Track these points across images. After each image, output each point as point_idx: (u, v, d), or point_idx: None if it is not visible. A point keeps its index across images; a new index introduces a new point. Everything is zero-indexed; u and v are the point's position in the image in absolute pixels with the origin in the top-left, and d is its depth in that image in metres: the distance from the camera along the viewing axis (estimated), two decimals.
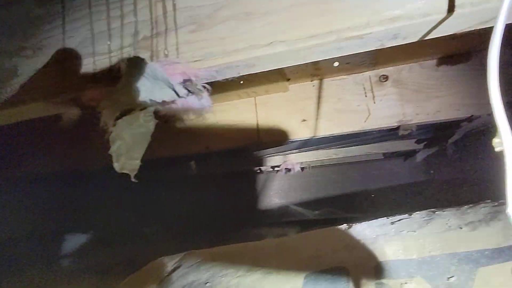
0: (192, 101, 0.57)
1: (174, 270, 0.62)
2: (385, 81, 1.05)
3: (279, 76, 1.03)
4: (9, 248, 1.29)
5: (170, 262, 0.65)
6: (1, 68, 0.63)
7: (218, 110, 1.17)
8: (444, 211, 0.58)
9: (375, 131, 1.15)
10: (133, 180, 0.56)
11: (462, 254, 0.45)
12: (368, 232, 0.56)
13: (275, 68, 0.55)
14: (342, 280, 0.46)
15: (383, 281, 0.44)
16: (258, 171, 1.88)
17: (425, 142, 1.49)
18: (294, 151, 1.48)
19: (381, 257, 0.48)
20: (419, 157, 1.50)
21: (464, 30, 0.48)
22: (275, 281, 0.50)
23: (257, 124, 1.15)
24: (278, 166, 1.72)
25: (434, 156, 1.60)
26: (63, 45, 0.59)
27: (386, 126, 1.07)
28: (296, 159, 1.62)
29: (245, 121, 1.16)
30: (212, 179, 2.06)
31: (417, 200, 1.66)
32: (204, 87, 0.57)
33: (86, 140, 1.30)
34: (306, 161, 1.69)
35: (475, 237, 0.48)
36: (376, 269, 0.46)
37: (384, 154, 1.86)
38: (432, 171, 1.71)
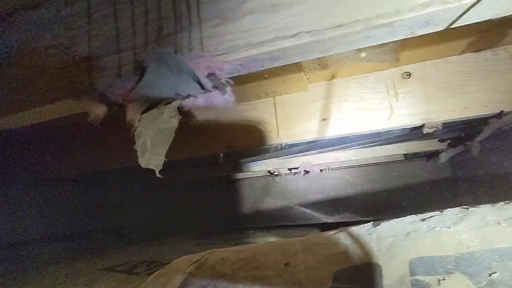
0: (215, 96, 0.57)
1: (198, 267, 0.62)
2: (408, 78, 1.03)
3: (298, 75, 1.02)
4: (34, 248, 1.32)
5: (194, 260, 0.65)
6: (30, 67, 0.65)
7: (237, 110, 1.17)
8: (478, 208, 0.55)
9: (398, 130, 1.12)
10: (158, 175, 0.56)
11: (503, 250, 0.43)
12: (397, 229, 0.54)
13: (300, 60, 0.54)
14: (376, 276, 0.44)
15: (419, 277, 0.42)
16: (276, 173, 1.87)
17: (449, 141, 1.44)
18: (313, 152, 1.47)
19: (414, 254, 0.46)
20: (443, 157, 1.45)
21: (500, 15, 0.46)
22: (303, 277, 0.48)
23: (277, 124, 1.14)
24: (296, 168, 1.70)
25: (458, 156, 1.54)
26: (89, 43, 0.60)
27: (409, 124, 1.04)
28: (314, 161, 1.60)
29: (265, 121, 1.15)
30: (229, 180, 2.06)
31: (441, 201, 1.61)
32: (228, 82, 0.56)
33: (108, 140, 1.32)
34: (325, 163, 1.66)
35: None
36: (411, 266, 0.44)
37: (405, 155, 1.81)
38: (456, 171, 1.65)
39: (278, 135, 1.13)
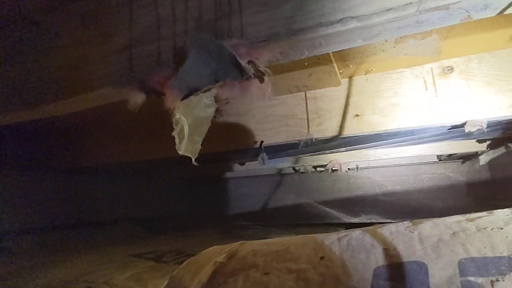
0: (252, 85, 0.56)
1: (229, 257, 0.62)
2: (450, 72, 0.97)
3: (331, 69, 0.99)
4: (66, 233, 1.38)
5: (225, 250, 0.65)
6: (73, 57, 0.67)
7: (267, 105, 1.16)
8: None
9: (435, 128, 1.07)
10: (194, 163, 0.56)
11: None
12: (442, 228, 0.51)
13: (343, 48, 0.52)
14: (420, 275, 0.42)
15: (470, 278, 0.39)
16: (302, 170, 1.84)
17: (489, 142, 1.36)
18: (342, 150, 1.43)
19: (463, 254, 0.43)
20: (483, 159, 1.37)
21: None
22: (341, 272, 0.46)
23: (307, 119, 1.12)
24: (323, 166, 1.67)
25: (497, 158, 1.45)
26: (130, 31, 0.61)
27: (449, 122, 0.99)
28: (343, 159, 1.56)
29: (295, 116, 1.14)
30: (254, 176, 2.06)
31: (478, 204, 1.52)
32: (266, 70, 0.56)
33: (135, 133, 1.35)
34: (353, 162, 1.62)
35: None
36: (460, 266, 0.41)
37: (438, 156, 1.73)
38: (494, 173, 1.56)
39: (309, 131, 1.11)
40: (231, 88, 0.56)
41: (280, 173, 2.01)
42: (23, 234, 1.21)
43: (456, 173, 1.71)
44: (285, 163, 1.57)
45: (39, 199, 1.33)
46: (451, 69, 0.97)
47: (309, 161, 1.54)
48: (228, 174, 2.01)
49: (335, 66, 0.98)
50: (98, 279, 0.79)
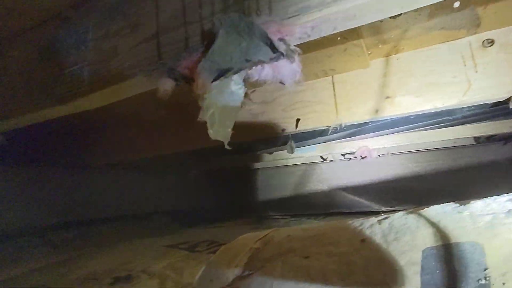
0: (283, 65, 0.54)
1: (265, 243, 0.61)
2: (491, 46, 0.90)
3: (359, 49, 0.95)
4: (104, 228, 1.43)
5: (260, 236, 0.64)
6: (103, 49, 0.68)
7: (294, 92, 1.14)
8: None
9: (476, 106, 1.00)
10: (226, 147, 0.55)
11: None
12: (495, 207, 0.48)
13: (378, 19, 0.49)
14: (476, 255, 0.39)
15: None
16: (330, 159, 1.80)
17: None
18: (371, 135, 1.37)
19: None
20: None
21: None
22: (385, 254, 0.44)
23: (335, 104, 1.09)
24: (351, 153, 1.61)
25: None
26: (157, 19, 0.60)
27: (491, 99, 0.92)
28: (372, 145, 1.50)
29: (322, 101, 1.11)
30: (281, 167, 2.04)
31: None
32: (296, 50, 0.53)
33: (163, 127, 1.37)
34: (384, 147, 1.55)
35: None
36: None
37: (476, 138, 1.63)
38: None
39: (337, 115, 1.08)
40: (261, 69, 0.54)
41: (308, 162, 1.97)
42: (64, 228, 1.27)
43: (497, 155, 1.61)
44: (313, 151, 1.54)
45: (78, 194, 1.39)
46: (491, 42, 0.90)
47: (338, 148, 1.50)
48: (257, 165, 2.01)
49: (363, 46, 0.93)
50: (137, 267, 0.82)
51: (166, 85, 0.60)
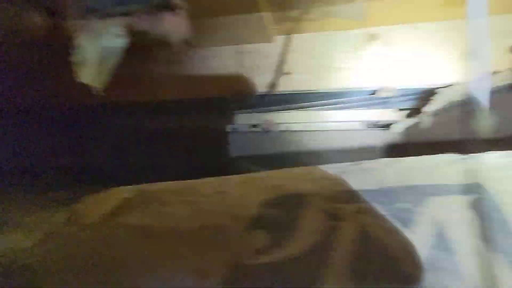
0: (167, 17, 0.54)
1: (138, 194, 0.62)
2: (375, 40, 1.03)
3: (265, 24, 0.99)
4: None
5: (127, 191, 0.64)
6: None
7: (198, 57, 1.13)
8: None
9: (358, 92, 1.15)
10: (101, 93, 0.54)
11: None
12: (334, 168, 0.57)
13: None
14: (298, 205, 0.47)
15: None
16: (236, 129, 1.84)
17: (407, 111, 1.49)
18: (273, 107, 1.44)
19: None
20: (397, 128, 1.51)
21: None
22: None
23: (238, 74, 1.12)
24: (256, 126, 1.69)
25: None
26: None
27: (369, 88, 1.07)
28: (274, 119, 1.59)
29: (226, 70, 1.13)
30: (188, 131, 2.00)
31: None
32: (178, 3, 0.53)
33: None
34: (286, 123, 1.66)
35: None
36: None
37: (365, 123, 1.86)
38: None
39: (239, 86, 1.12)
40: (141, 19, 0.53)
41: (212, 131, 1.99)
42: None
43: (376, 140, 1.87)
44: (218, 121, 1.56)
45: None
46: (375, 36, 1.03)
47: (243, 119, 1.55)
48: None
49: (265, 20, 0.97)
50: None
51: (35, 20, 0.54)
